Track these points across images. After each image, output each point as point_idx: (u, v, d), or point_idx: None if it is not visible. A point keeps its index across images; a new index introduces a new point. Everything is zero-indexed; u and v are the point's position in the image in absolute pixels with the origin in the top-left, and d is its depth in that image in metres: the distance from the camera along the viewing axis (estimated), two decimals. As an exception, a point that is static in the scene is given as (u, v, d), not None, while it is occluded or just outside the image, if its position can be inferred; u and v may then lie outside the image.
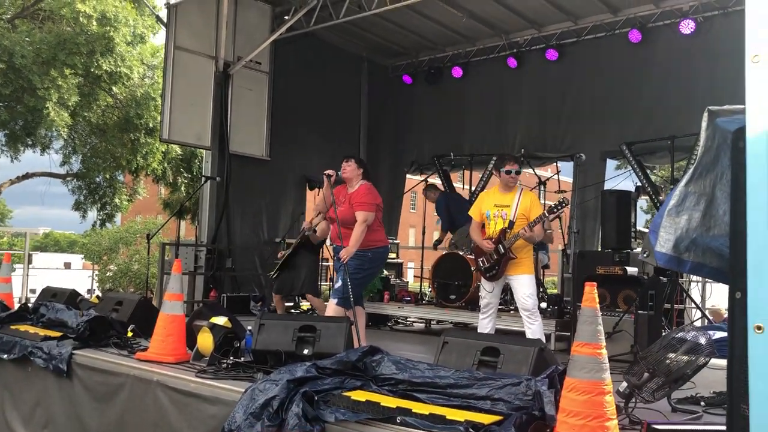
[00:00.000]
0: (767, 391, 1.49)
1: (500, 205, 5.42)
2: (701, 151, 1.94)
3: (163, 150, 17.61)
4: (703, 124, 1.90)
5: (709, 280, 8.47)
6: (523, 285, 5.34)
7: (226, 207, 9.35)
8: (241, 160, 9.56)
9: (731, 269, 1.68)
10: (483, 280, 5.59)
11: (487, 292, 5.53)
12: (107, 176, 18.99)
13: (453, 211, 8.68)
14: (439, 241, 9.31)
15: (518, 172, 5.45)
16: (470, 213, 5.72)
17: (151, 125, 16.59)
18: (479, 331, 5.46)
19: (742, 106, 1.62)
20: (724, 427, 2.13)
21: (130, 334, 5.14)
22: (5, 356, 5.14)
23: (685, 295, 7.51)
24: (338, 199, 5.65)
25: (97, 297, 7.13)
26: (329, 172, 5.55)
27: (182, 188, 19.36)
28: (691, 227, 1.97)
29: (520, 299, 5.37)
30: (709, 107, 1.89)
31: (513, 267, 5.37)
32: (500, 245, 5.35)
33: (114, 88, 16.44)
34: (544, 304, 7.16)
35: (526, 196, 5.39)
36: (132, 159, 17.20)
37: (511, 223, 5.33)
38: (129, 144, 16.96)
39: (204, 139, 9.32)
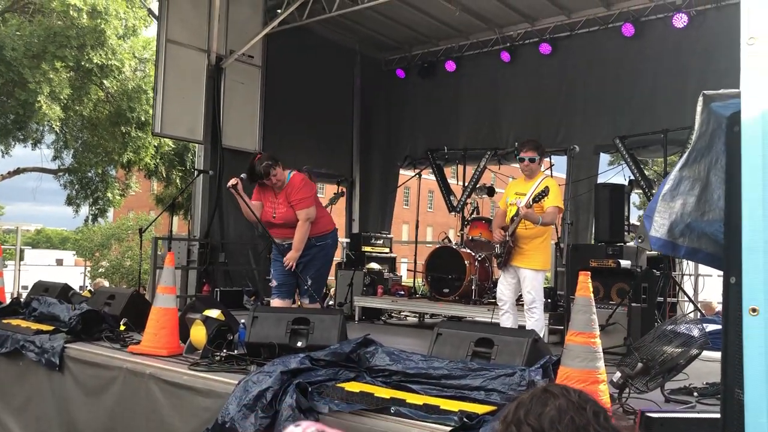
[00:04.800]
0: (762, 373, 1.50)
1: (520, 193, 5.37)
2: (696, 136, 1.93)
3: (156, 144, 17.55)
4: (698, 109, 1.89)
5: (702, 274, 8.52)
6: (524, 279, 5.27)
7: (219, 201, 9.30)
8: (233, 154, 9.49)
9: (726, 254, 1.68)
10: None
11: (500, 283, 5.46)
12: (99, 171, 18.92)
13: None
14: None
15: (533, 160, 5.35)
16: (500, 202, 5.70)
17: (143, 119, 16.52)
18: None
19: (737, 90, 1.61)
20: (718, 416, 2.13)
21: (122, 327, 5.11)
22: (-3, 350, 5.10)
23: (677, 288, 7.53)
24: (268, 200, 5.32)
25: (89, 291, 7.09)
26: (233, 182, 5.20)
27: (177, 181, 19.31)
28: (685, 212, 1.97)
29: (523, 293, 5.33)
30: (705, 92, 1.89)
31: (519, 258, 5.29)
32: (507, 233, 5.29)
33: (105, 82, 16.36)
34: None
35: (542, 184, 5.24)
36: (123, 153, 17.14)
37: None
38: (120, 138, 16.89)
39: (196, 133, 9.25)
